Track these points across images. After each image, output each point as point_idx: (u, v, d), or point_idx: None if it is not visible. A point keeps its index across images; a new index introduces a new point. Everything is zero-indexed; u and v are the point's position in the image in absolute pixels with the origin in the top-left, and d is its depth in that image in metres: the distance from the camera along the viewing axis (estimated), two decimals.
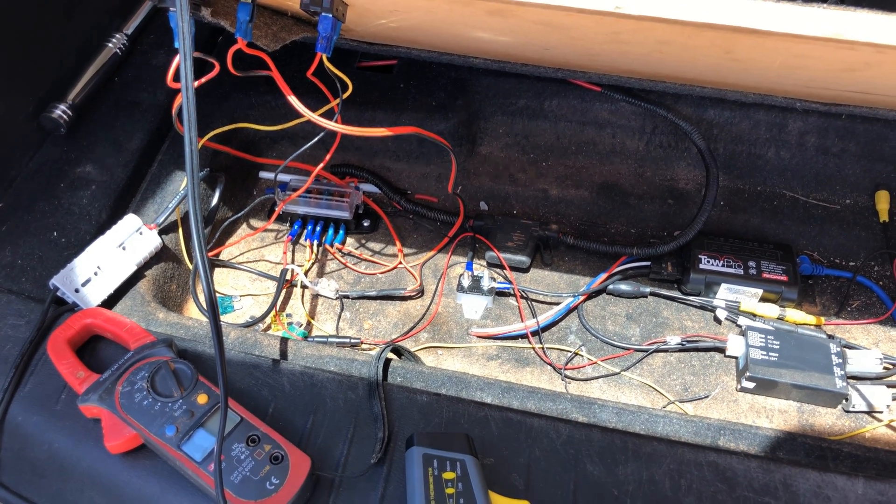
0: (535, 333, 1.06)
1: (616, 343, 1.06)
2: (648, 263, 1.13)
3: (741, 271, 1.09)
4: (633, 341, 1.07)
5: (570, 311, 1.09)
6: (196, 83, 0.86)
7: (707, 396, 1.02)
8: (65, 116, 1.05)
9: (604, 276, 1.12)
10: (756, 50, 0.73)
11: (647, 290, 1.11)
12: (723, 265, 1.10)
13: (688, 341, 1.05)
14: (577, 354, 1.05)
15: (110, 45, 1.15)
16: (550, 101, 1.25)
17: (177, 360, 0.83)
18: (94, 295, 0.92)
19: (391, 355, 0.94)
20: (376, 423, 0.83)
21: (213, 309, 0.66)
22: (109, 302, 0.94)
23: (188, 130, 0.65)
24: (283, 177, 1.20)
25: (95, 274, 0.93)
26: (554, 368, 1.03)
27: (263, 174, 1.24)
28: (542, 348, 1.05)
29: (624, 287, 1.11)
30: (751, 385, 1.01)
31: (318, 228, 1.16)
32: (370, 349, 1.05)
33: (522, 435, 0.83)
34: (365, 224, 1.19)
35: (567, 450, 0.82)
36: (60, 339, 0.85)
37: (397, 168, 1.24)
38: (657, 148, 1.25)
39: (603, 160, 1.26)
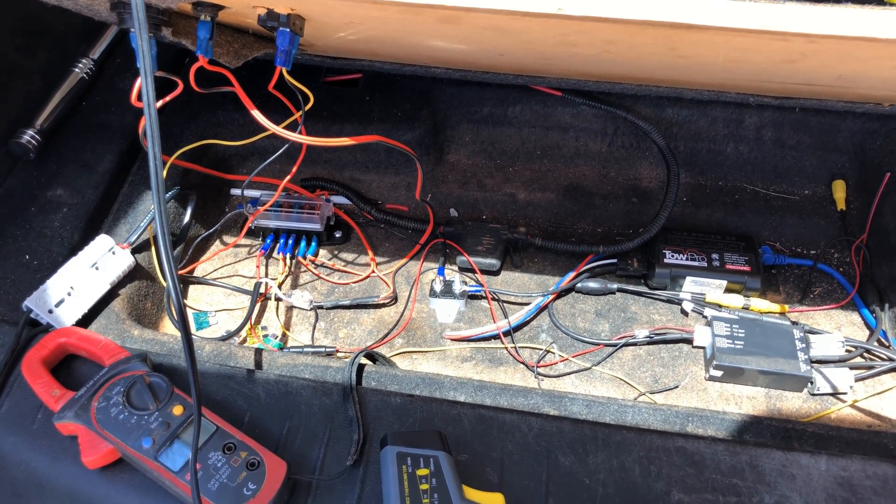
0: (507, 334, 1.08)
1: (586, 339, 1.08)
2: (615, 261, 1.16)
3: (705, 264, 1.12)
4: (603, 337, 1.09)
5: (540, 310, 1.11)
6: (160, 102, 0.89)
7: (677, 387, 1.04)
8: (33, 142, 1.07)
9: (572, 274, 1.14)
10: (698, 46, 0.76)
11: (615, 286, 1.14)
12: (687, 259, 1.12)
13: (656, 334, 1.08)
14: (548, 352, 1.07)
15: (77, 69, 1.16)
16: (514, 108, 1.28)
17: (152, 374, 0.84)
18: (69, 315, 0.93)
19: (365, 361, 0.96)
20: (351, 425, 0.84)
21: (183, 318, 0.67)
22: (84, 321, 0.95)
23: (152, 147, 0.67)
24: (253, 192, 1.21)
25: (69, 294, 0.94)
26: (527, 367, 1.05)
27: (234, 191, 1.25)
28: (515, 348, 1.07)
29: (592, 284, 1.14)
30: (718, 373, 1.03)
31: (290, 241, 1.18)
32: (346, 357, 1.06)
33: (495, 430, 0.84)
34: (337, 235, 1.21)
35: (539, 442, 0.83)
36: (35, 359, 0.86)
37: (367, 179, 1.27)
38: (619, 149, 1.28)
39: (568, 163, 1.29)
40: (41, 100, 1.11)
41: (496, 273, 1.16)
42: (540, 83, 1.18)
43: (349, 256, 1.20)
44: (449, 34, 0.84)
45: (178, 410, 0.81)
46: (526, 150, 1.30)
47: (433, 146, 1.27)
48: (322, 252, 1.20)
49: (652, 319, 1.12)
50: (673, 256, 1.13)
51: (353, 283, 1.16)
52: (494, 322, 1.09)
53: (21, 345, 0.90)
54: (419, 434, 0.80)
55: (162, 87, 0.89)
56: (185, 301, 1.11)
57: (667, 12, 0.62)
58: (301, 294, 1.11)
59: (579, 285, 1.14)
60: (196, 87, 0.86)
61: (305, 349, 1.05)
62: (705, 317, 1.09)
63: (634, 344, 1.08)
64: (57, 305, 0.93)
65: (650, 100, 1.22)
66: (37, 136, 1.07)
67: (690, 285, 1.12)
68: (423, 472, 0.75)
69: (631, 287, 1.14)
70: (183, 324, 0.67)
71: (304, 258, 1.18)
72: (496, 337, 1.08)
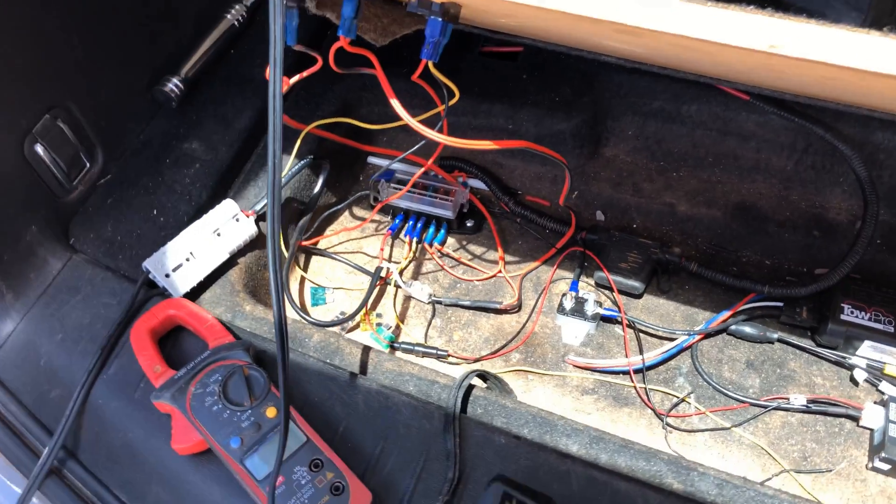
0: (638, 371, 0.96)
1: (731, 393, 0.94)
2: (781, 304, 0.99)
3: (892, 329, 0.93)
4: (751, 394, 0.95)
5: (682, 349, 0.98)
6: (295, 77, 0.82)
7: (830, 471, 0.89)
8: (176, 90, 1.04)
9: (727, 313, 0.99)
10: None
11: (776, 335, 0.98)
12: (870, 319, 0.94)
13: (815, 403, 0.92)
14: (684, 401, 0.94)
15: (229, 16, 1.12)
16: (689, 106, 1.11)
17: (252, 367, 0.80)
18: (184, 281, 0.91)
19: (475, 381, 0.87)
20: (448, 460, 0.77)
21: (283, 341, 0.61)
22: (199, 288, 0.93)
23: (272, 142, 0.60)
24: (385, 162, 1.15)
25: (187, 259, 0.92)
26: (655, 414, 0.93)
27: (372, 159, 1.18)
28: (646, 389, 0.95)
29: (748, 329, 0.98)
30: (886, 466, 0.87)
31: (419, 225, 1.10)
32: (457, 362, 0.99)
33: (606, 500, 0.74)
34: (468, 224, 1.12)
35: None
36: (143, 329, 0.84)
37: (510, 165, 1.16)
38: (807, 169, 1.09)
39: (742, 177, 1.12)
40: (189, 47, 1.07)
41: (637, 296, 1.04)
42: (725, 83, 1.00)
43: (477, 249, 1.11)
44: (627, 41, 0.71)
45: (271, 413, 0.77)
46: (696, 154, 1.13)
47: (589, 138, 1.14)
48: (450, 240, 1.12)
49: (813, 383, 0.95)
50: (853, 313, 0.95)
51: (478, 280, 1.07)
52: (627, 356, 0.97)
53: (136, 306, 0.89)
54: (532, 492, 0.71)
55: (302, 60, 0.82)
56: (305, 274, 1.07)
57: None
58: (421, 286, 1.04)
59: (733, 327, 0.99)
60: (335, 67, 0.78)
61: (416, 348, 0.98)
62: (881, 393, 0.92)
63: (787, 409, 0.93)
64: (174, 270, 0.91)
65: (856, 119, 1.01)
66: (180, 85, 1.04)
67: (868, 350, 0.94)
68: None
69: (794, 340, 0.97)
70: (282, 348, 0.61)
71: (431, 245, 1.10)
72: (626, 373, 0.96)
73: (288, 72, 0.84)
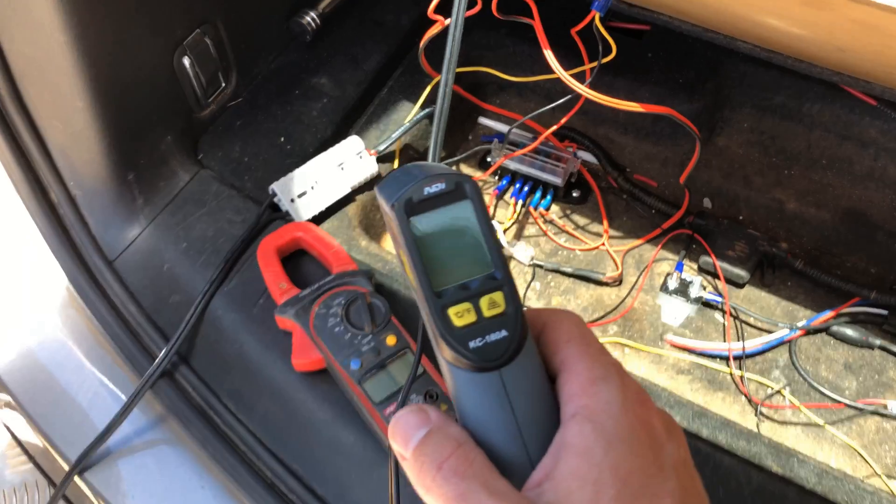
0: (737, 358, 0.96)
1: (826, 392, 0.94)
2: (885, 313, 0.99)
3: None
4: (847, 395, 0.94)
5: (781, 343, 0.98)
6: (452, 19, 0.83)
7: None
8: (312, 24, 1.06)
9: (830, 313, 0.99)
10: None
11: (878, 342, 0.97)
12: None
13: None
14: (779, 393, 0.94)
15: None
16: (812, 105, 1.10)
17: (374, 295, 0.82)
18: (307, 209, 0.93)
19: None
20: None
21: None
22: (319, 218, 0.95)
23: (446, 72, 0.61)
24: (500, 126, 1.15)
25: (312, 188, 0.94)
26: (749, 401, 0.94)
27: (483, 120, 1.19)
28: (742, 376, 0.95)
29: (850, 332, 0.98)
30: None
31: (525, 188, 1.11)
32: None
33: (709, 472, 0.75)
34: (574, 195, 1.12)
35: (755, 501, 0.73)
36: (270, 247, 0.86)
37: (622, 142, 1.16)
38: None
39: (856, 183, 1.11)
40: None
41: (740, 286, 1.03)
42: (853, 85, 0.99)
43: (581, 220, 1.11)
44: (800, 17, 0.71)
45: (391, 340, 0.79)
46: (811, 155, 1.12)
47: (706, 125, 1.13)
48: (554, 208, 1.12)
49: None
50: None
51: (580, 250, 1.08)
52: (727, 341, 0.97)
53: (260, 226, 0.92)
54: None
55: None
56: None
57: None
58: (524, 247, 1.05)
59: (835, 328, 0.98)
60: (497, 13, 0.79)
61: None
62: None
63: (883, 415, 0.92)
64: (299, 196, 0.93)
65: None
66: (316, 20, 1.06)
67: None
68: None
69: None
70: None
71: (535, 210, 1.11)
72: (724, 358, 0.96)
73: (442, 10, 0.86)
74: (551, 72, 0.82)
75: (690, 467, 0.40)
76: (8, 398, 0.90)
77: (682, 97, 1.10)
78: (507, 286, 0.39)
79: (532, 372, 0.39)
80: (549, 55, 0.78)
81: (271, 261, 0.85)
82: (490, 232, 0.39)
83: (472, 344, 0.37)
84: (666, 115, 0.86)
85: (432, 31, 0.86)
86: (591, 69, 0.82)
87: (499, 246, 0.39)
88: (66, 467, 0.84)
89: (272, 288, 0.84)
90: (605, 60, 0.82)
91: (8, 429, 1.09)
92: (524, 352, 0.38)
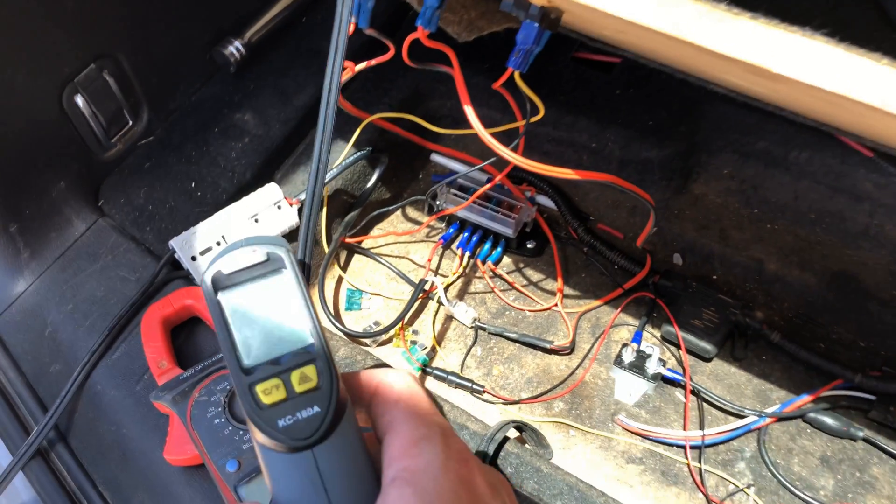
0: (695, 447, 0.84)
1: (798, 492, 0.82)
2: (872, 398, 0.86)
3: None
4: (822, 496, 0.82)
5: (749, 431, 0.86)
6: (361, 65, 0.72)
7: None
8: (237, 54, 0.96)
9: (807, 397, 0.87)
10: None
11: (861, 433, 0.85)
12: None
13: None
14: (742, 491, 0.82)
15: None
16: (799, 153, 0.98)
17: None
18: None
19: (510, 432, 0.77)
20: None
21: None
22: None
23: (319, 145, 0.50)
24: (455, 165, 1.04)
25: (218, 244, 0.84)
26: (707, 500, 0.82)
27: (435, 157, 1.08)
28: (700, 469, 0.83)
29: (830, 420, 0.85)
30: None
31: (474, 238, 1.00)
32: (493, 401, 0.89)
33: None
34: (529, 246, 1.01)
35: None
36: (156, 317, 0.76)
37: (586, 186, 1.04)
38: None
39: (848, 242, 0.98)
40: (257, 9, 0.98)
41: (706, 360, 0.91)
42: (846, 134, 0.87)
43: (534, 276, 1.00)
44: (756, 82, 0.59)
45: None
46: (797, 208, 1.00)
47: (679, 171, 1.01)
48: (506, 260, 1.01)
49: None
50: None
51: (530, 311, 0.96)
52: (685, 427, 0.86)
53: (154, 287, 0.82)
54: None
55: (373, 46, 0.72)
56: (344, 274, 0.98)
57: None
58: (466, 308, 0.94)
59: (812, 415, 0.86)
60: (407, 60, 0.68)
61: (450, 377, 0.89)
62: None
63: None
64: (202, 253, 0.83)
65: None
66: (242, 50, 0.96)
67: None
68: None
69: (882, 442, 0.84)
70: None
71: (484, 263, 1.00)
72: (681, 447, 0.85)
73: (356, 56, 0.75)
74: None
75: None
76: None
77: (652, 140, 0.99)
78: (321, 359, 0.37)
79: (349, 446, 0.37)
80: (469, 111, 0.66)
81: (154, 333, 0.75)
82: (305, 302, 0.38)
83: (281, 423, 0.35)
84: (610, 183, 0.74)
85: (345, 77, 0.75)
86: (521, 129, 0.70)
87: (314, 316, 0.38)
88: None
89: (152, 366, 0.74)
90: (533, 120, 0.70)
91: None
92: (342, 426, 0.36)
